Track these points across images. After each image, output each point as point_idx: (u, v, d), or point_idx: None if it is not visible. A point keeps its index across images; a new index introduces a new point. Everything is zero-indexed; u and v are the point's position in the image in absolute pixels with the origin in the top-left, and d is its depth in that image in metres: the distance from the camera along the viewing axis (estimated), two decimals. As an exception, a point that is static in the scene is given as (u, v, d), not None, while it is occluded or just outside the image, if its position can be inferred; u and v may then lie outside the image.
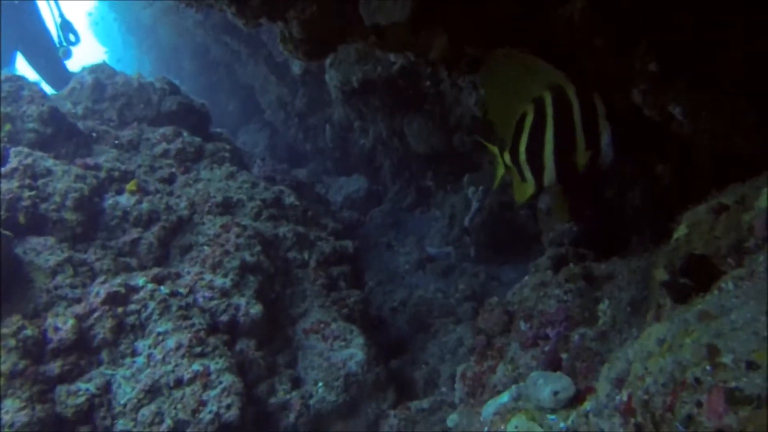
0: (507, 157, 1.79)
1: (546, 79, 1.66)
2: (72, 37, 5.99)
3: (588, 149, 1.63)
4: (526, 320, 2.18)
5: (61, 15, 6.00)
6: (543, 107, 1.66)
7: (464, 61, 2.66)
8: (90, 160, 3.12)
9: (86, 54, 6.51)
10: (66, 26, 5.99)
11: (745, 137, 2.56)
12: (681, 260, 1.23)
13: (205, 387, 2.47)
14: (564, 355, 2.03)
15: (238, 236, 3.05)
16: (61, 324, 2.43)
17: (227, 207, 3.31)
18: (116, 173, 3.14)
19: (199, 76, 7.98)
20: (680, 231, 1.28)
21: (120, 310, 2.57)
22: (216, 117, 7.02)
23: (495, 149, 1.87)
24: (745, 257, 1.15)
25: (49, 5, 5.93)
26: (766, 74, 2.28)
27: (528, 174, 1.73)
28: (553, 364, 2.05)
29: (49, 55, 5.77)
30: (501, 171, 1.87)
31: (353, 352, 2.88)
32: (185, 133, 3.68)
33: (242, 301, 2.82)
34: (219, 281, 2.84)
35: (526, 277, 2.57)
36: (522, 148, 1.71)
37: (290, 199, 3.57)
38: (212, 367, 2.54)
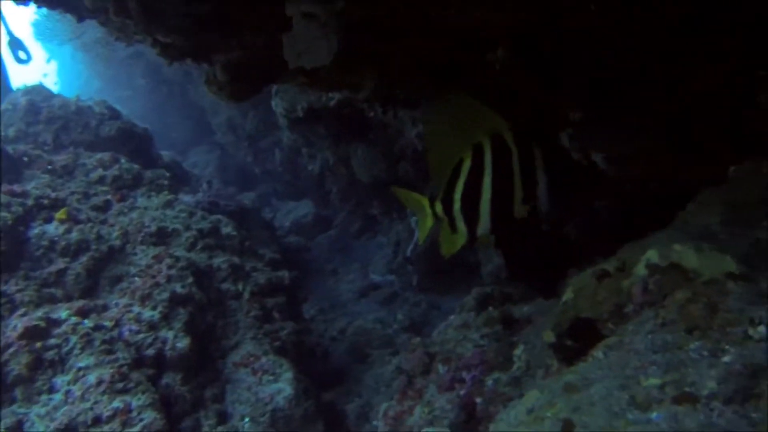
0: (438, 206, 1.69)
1: (487, 125, 1.61)
2: (23, 55, 5.77)
3: (526, 199, 1.58)
4: (444, 363, 2.21)
5: (9, 32, 5.81)
6: (481, 154, 1.59)
7: (399, 98, 2.71)
8: (18, 187, 3.06)
9: (36, 65, 6.32)
10: (15, 43, 5.78)
11: (663, 181, 2.66)
12: (567, 323, 1.27)
13: (125, 424, 2.43)
14: (479, 399, 2.06)
15: (170, 267, 3.02)
16: (-26, 360, 2.36)
17: (162, 237, 3.27)
18: (46, 201, 3.09)
19: (152, 94, 7.89)
20: (568, 294, 1.32)
21: (38, 344, 2.51)
22: (167, 136, 6.98)
23: (423, 199, 1.76)
24: (624, 323, 1.20)
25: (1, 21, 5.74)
26: (684, 121, 2.38)
27: (461, 224, 1.65)
28: (467, 408, 2.07)
29: None
30: (429, 223, 1.74)
31: (281, 386, 2.87)
32: (123, 159, 3.63)
33: (170, 334, 2.79)
34: (147, 314, 2.81)
35: (452, 317, 2.61)
36: (457, 196, 1.63)
37: (227, 228, 3.55)
38: (134, 403, 2.49)
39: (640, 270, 1.22)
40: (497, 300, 2.72)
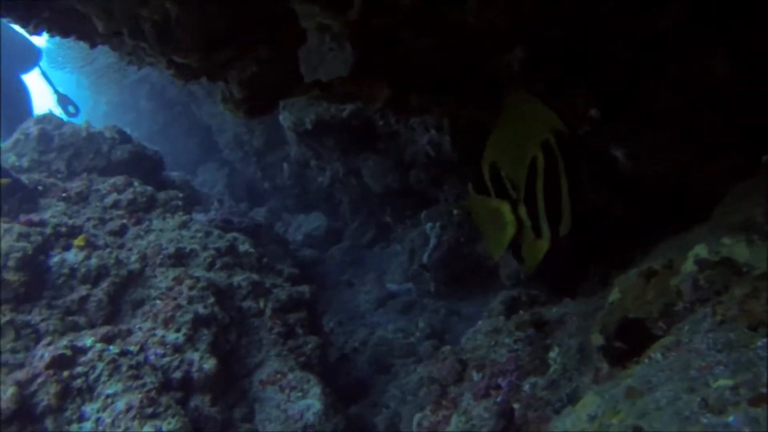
0: (522, 210, 1.50)
1: (547, 120, 1.47)
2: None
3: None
4: (478, 370, 2.18)
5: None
6: (552, 151, 1.43)
7: (412, 105, 2.69)
8: (35, 216, 3.05)
9: (41, 96, 6.37)
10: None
11: (684, 176, 2.64)
12: (615, 324, 1.25)
13: (157, 450, 2.41)
14: (516, 405, 2.03)
15: (191, 288, 3.01)
16: (1, 393, 2.34)
17: (180, 258, 3.26)
18: (63, 228, 3.07)
19: (157, 115, 7.91)
20: (614, 295, 1.29)
21: (66, 373, 2.49)
22: (174, 156, 6.98)
23: (503, 205, 1.55)
24: (677, 322, 1.17)
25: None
26: (702, 113, 2.35)
27: (546, 227, 1.45)
28: (505, 415, 2.04)
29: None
30: (512, 231, 1.54)
31: (310, 402, 2.84)
32: (136, 183, 3.62)
33: (195, 356, 2.77)
34: (171, 336, 2.79)
35: (480, 322, 2.58)
36: (540, 196, 1.44)
37: (245, 246, 3.53)
38: (164, 427, 2.47)
39: (689, 266, 1.19)
40: (525, 303, 2.69)
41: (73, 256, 2.96)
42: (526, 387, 2.04)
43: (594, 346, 1.31)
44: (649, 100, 2.37)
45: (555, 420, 1.23)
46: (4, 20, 2.46)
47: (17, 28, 2.31)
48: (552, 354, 2.09)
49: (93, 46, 2.21)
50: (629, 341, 1.23)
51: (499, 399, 2.08)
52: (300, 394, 2.88)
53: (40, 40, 5.92)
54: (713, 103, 2.23)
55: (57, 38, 2.13)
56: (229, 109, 2.10)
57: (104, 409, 2.46)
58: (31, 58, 5.46)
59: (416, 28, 2.01)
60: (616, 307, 1.27)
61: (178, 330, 2.82)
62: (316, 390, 2.89)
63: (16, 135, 3.73)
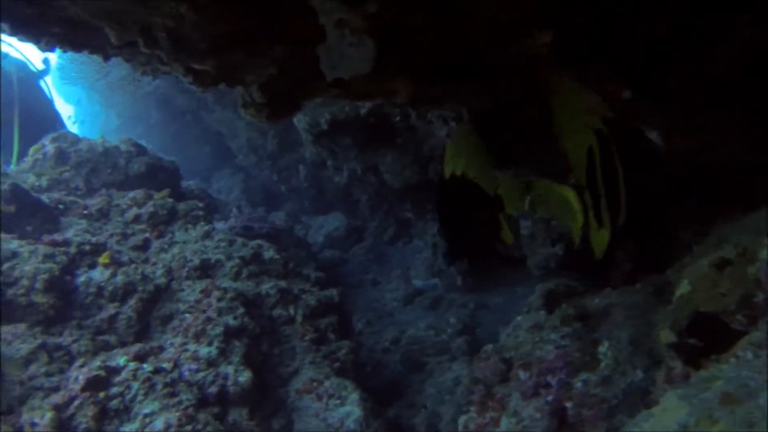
0: (588, 198, 1.47)
1: (596, 109, 1.48)
2: None
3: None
4: (524, 368, 2.11)
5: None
6: (607, 140, 1.43)
7: (433, 97, 2.61)
8: (58, 236, 3.01)
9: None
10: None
11: (721, 152, 2.54)
12: (687, 319, 1.16)
13: (199, 468, 2.35)
14: (568, 404, 1.95)
15: (219, 300, 2.95)
16: (38, 418, 2.30)
17: (205, 269, 3.20)
18: (87, 247, 3.02)
19: (168, 124, 7.87)
20: (683, 288, 1.21)
21: (102, 394, 2.44)
22: (188, 165, 6.93)
23: (569, 192, 1.52)
24: (758, 314, 1.09)
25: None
26: (739, 88, 2.25)
27: (606, 216, 1.43)
28: (558, 414, 1.96)
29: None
30: (581, 218, 1.50)
31: (350, 410, 2.78)
32: (156, 195, 3.57)
33: (230, 369, 2.71)
34: (204, 351, 2.73)
35: (519, 318, 2.50)
36: (600, 184, 1.43)
37: (270, 253, 3.47)
38: (204, 445, 2.42)
39: (766, 254, 1.10)
40: (563, 294, 2.60)
41: (99, 275, 2.92)
42: (578, 384, 1.96)
43: (663, 344, 1.23)
44: (680, 78, 2.27)
45: (628, 425, 1.15)
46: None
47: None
48: (602, 348, 2.01)
49: (106, 58, 2.15)
50: (704, 337, 1.14)
51: (549, 398, 2.00)
52: (338, 401, 2.82)
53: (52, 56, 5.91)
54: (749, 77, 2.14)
55: (69, 54, 2.07)
56: (251, 114, 2.03)
57: (143, 429, 2.41)
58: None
59: (437, 16, 1.93)
60: (686, 301, 1.19)
61: (210, 343, 2.77)
62: (355, 396, 2.83)
63: (34, 154, 3.68)
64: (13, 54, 5.35)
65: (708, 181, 2.62)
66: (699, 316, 1.15)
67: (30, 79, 5.27)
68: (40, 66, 5.57)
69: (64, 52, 2.07)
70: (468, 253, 1.99)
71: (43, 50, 2.02)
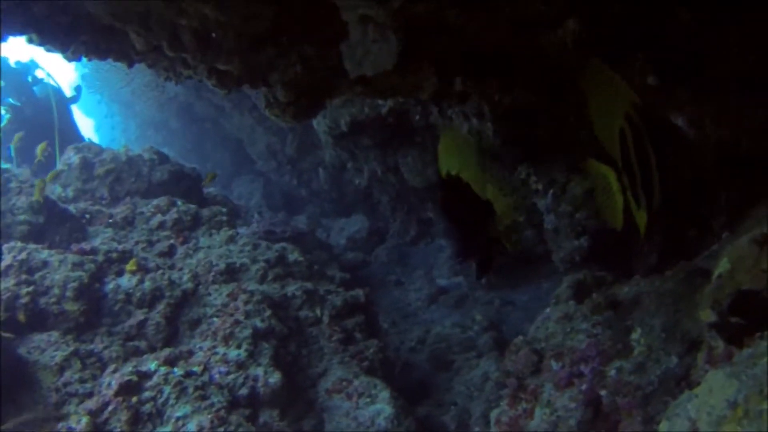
0: (625, 179, 1.47)
1: (625, 95, 1.45)
2: None
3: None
4: (557, 359, 2.09)
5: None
6: (637, 124, 1.43)
7: (456, 93, 2.60)
8: (86, 245, 3.05)
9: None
10: None
11: (752, 140, 2.49)
12: (729, 298, 1.14)
13: (232, 469, 2.36)
14: (603, 392, 1.93)
15: (246, 303, 2.97)
16: (75, 423, 2.33)
17: (231, 273, 3.22)
18: (114, 254, 3.06)
19: (187, 132, 7.94)
20: (722, 266, 1.19)
21: (134, 399, 2.47)
22: (208, 171, 6.98)
23: (609, 172, 1.52)
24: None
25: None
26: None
27: (643, 199, 1.43)
28: (592, 403, 1.94)
29: None
30: (620, 199, 1.50)
31: (380, 408, 2.77)
32: (179, 202, 3.61)
33: (259, 371, 2.73)
34: (233, 353, 2.75)
35: (548, 310, 2.48)
36: (636, 168, 1.43)
37: (294, 255, 3.48)
38: (237, 446, 2.43)
39: (809, 228, 1.08)
40: (591, 284, 2.58)
41: (126, 281, 2.95)
42: (612, 372, 1.94)
43: (705, 324, 1.21)
44: (709, 65, 2.24)
45: (669, 410, 1.13)
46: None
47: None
48: (634, 335, 1.99)
49: (130, 65, 2.17)
50: (747, 316, 1.13)
51: (583, 387, 1.98)
52: (368, 399, 2.82)
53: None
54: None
55: (93, 63, 2.10)
56: (275, 114, 2.04)
57: (176, 432, 2.42)
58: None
59: (463, 9, 1.92)
60: (726, 280, 1.17)
61: (239, 346, 2.78)
62: (385, 394, 2.82)
63: (59, 166, 3.74)
64: (46, 79, 5.49)
65: (737, 173, 2.58)
66: (741, 294, 1.13)
67: (63, 104, 5.39)
68: (70, 93, 5.70)
69: (89, 60, 2.10)
70: (477, 253, 1.98)
71: (70, 60, 2.05)
